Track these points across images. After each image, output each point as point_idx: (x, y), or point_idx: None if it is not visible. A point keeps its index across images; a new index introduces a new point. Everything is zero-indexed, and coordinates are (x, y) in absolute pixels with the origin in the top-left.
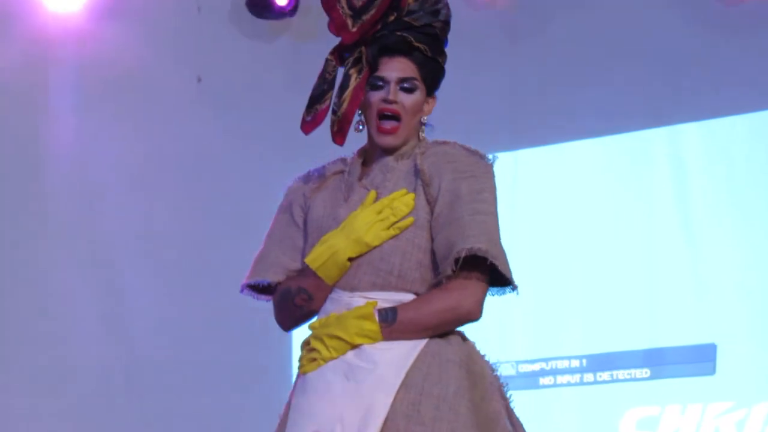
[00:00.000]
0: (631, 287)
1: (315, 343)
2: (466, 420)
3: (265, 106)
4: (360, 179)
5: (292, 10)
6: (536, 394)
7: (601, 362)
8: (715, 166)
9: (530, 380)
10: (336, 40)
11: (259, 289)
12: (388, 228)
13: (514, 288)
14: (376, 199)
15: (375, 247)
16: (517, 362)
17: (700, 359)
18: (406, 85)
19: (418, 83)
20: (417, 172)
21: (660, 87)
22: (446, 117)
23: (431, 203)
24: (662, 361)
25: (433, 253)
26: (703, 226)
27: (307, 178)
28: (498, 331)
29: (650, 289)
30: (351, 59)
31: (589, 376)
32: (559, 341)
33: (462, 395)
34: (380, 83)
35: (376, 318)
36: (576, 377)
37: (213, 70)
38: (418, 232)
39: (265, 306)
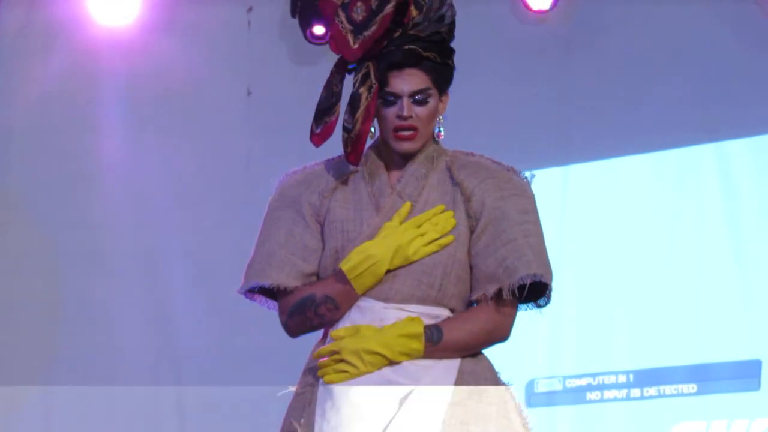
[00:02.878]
0: (679, 303)
1: (349, 356)
2: None
3: (311, 118)
4: (392, 187)
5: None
6: (583, 410)
7: (648, 377)
8: (765, 181)
9: (577, 395)
10: None
11: (257, 291)
12: (428, 244)
13: (541, 306)
14: (411, 210)
15: (413, 262)
16: (564, 377)
17: (746, 375)
18: (418, 97)
19: (431, 91)
20: (454, 183)
21: (710, 102)
22: (498, 129)
23: (472, 218)
24: (708, 377)
25: (469, 268)
26: (751, 242)
27: (315, 176)
28: (546, 346)
29: (697, 304)
30: (359, 76)
31: (636, 392)
32: (607, 356)
33: (503, 415)
34: (392, 98)
35: (423, 338)
36: (623, 392)
37: (263, 84)
38: (459, 247)
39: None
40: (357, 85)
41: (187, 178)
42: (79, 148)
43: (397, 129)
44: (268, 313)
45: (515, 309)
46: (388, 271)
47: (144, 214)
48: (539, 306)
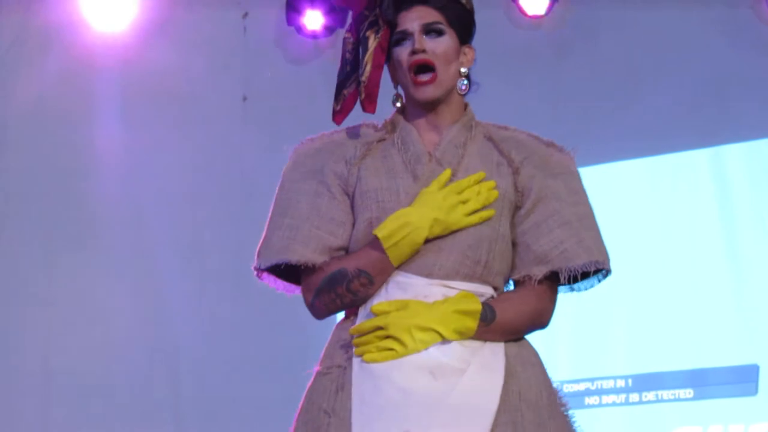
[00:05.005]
0: (676, 308)
1: (397, 332)
2: (564, 427)
3: (309, 124)
4: (430, 154)
5: (323, 30)
6: (581, 414)
7: (646, 382)
8: (760, 186)
9: (575, 400)
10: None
11: (277, 271)
12: (470, 214)
13: (575, 290)
14: (451, 179)
15: (454, 232)
16: (562, 382)
17: (742, 380)
18: (432, 29)
19: (445, 27)
20: (500, 153)
21: (704, 107)
22: None
23: (519, 192)
24: (705, 382)
25: (511, 244)
26: (747, 247)
27: (333, 143)
28: (543, 350)
29: (694, 309)
30: (366, 24)
31: (634, 396)
32: (604, 361)
33: (554, 402)
34: (404, 37)
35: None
36: (621, 397)
37: (258, 90)
38: (503, 221)
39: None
40: (364, 30)
41: (184, 183)
42: (75, 152)
43: (413, 68)
44: (266, 310)
45: (556, 296)
46: (428, 242)
47: (140, 218)
48: (573, 290)
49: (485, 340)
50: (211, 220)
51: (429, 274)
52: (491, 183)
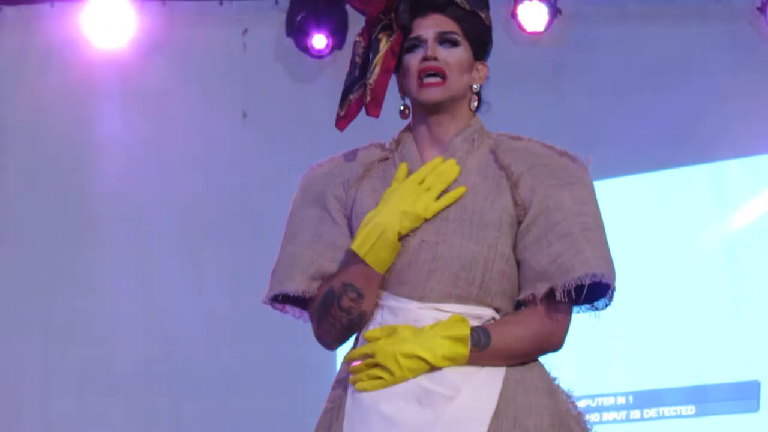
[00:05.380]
0: (676, 324)
1: (384, 360)
2: None
3: (308, 141)
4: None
5: (329, 52)
6: None
7: (647, 399)
8: (760, 202)
9: None
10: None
11: (286, 299)
12: (438, 198)
13: (600, 308)
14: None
15: (445, 254)
16: None
17: (744, 396)
18: (446, 38)
19: (461, 39)
20: (499, 168)
21: (704, 123)
22: None
23: (520, 206)
24: (707, 399)
25: (516, 262)
26: (747, 263)
27: (340, 166)
28: None
29: (695, 326)
30: (379, 27)
31: (635, 413)
32: (605, 378)
33: (557, 427)
34: (417, 43)
35: (470, 342)
36: (622, 414)
37: (258, 106)
38: (501, 238)
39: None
40: (377, 32)
41: (184, 199)
42: (76, 168)
43: (422, 73)
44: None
45: (569, 315)
46: (419, 264)
47: (141, 232)
48: (596, 309)
49: (481, 365)
50: (210, 236)
51: (421, 298)
52: (451, 161)
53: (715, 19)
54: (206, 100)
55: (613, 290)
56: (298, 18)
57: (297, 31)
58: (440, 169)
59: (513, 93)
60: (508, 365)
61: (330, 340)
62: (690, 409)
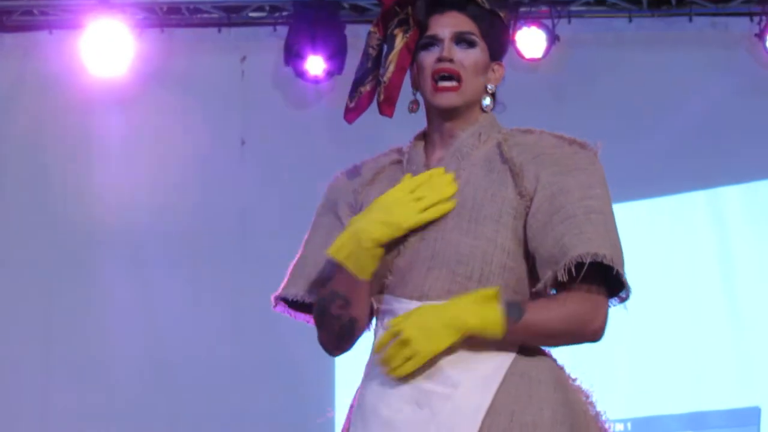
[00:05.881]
0: (675, 350)
1: (412, 332)
2: None
3: (306, 167)
4: (427, 168)
5: (327, 78)
6: None
7: (645, 426)
8: (758, 227)
9: None
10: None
11: (296, 305)
12: (424, 210)
13: (623, 300)
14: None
15: (440, 249)
16: None
17: (745, 423)
18: (463, 38)
19: (478, 39)
20: (504, 160)
21: (702, 149)
22: None
23: (525, 197)
24: (706, 425)
25: (524, 256)
26: (745, 289)
27: (354, 173)
28: None
29: (694, 352)
30: (396, 20)
31: None
32: (604, 404)
33: (560, 422)
34: (433, 42)
35: (503, 308)
36: None
37: (257, 133)
38: (501, 231)
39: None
40: (393, 27)
41: (183, 223)
42: (74, 193)
43: (437, 75)
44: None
45: (606, 303)
46: (417, 262)
47: (139, 255)
48: (622, 299)
49: (515, 342)
50: (209, 259)
51: (420, 297)
52: (450, 176)
53: (712, 45)
54: (205, 127)
55: (623, 275)
56: (296, 45)
57: (295, 58)
58: (436, 182)
59: (511, 119)
60: (546, 345)
61: (330, 347)
62: None
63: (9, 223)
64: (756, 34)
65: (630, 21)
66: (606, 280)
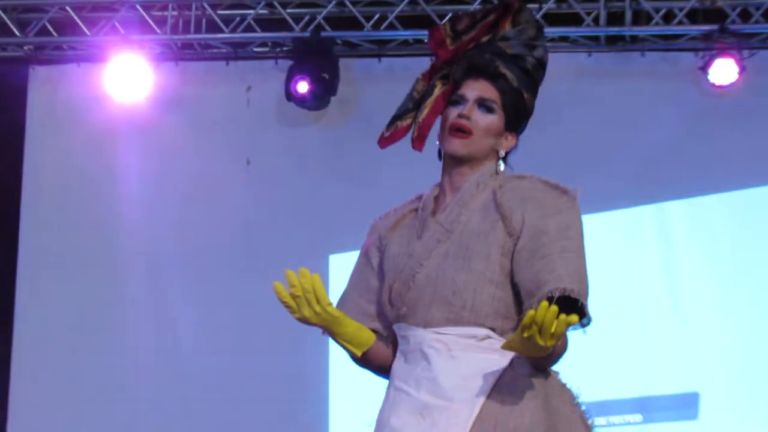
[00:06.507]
0: (626, 343)
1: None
2: None
3: (304, 185)
4: (434, 214)
5: (311, 97)
6: None
7: (597, 409)
8: (698, 234)
9: None
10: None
11: None
12: (315, 304)
13: (585, 326)
14: (449, 237)
15: (437, 283)
16: None
17: (685, 406)
18: (484, 104)
19: (497, 107)
20: (496, 206)
21: (651, 168)
22: None
23: (513, 236)
24: (652, 408)
25: (511, 286)
26: (687, 290)
27: (384, 219)
28: None
29: (642, 345)
30: (440, 74)
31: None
32: None
33: (538, 425)
34: (460, 100)
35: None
36: None
37: (260, 154)
38: (490, 266)
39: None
40: (435, 78)
41: (193, 235)
42: (100, 210)
43: (453, 127)
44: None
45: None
46: (426, 292)
47: (158, 268)
48: (583, 325)
49: (544, 362)
50: (216, 269)
51: (426, 325)
52: (305, 272)
53: (662, 76)
54: (214, 148)
55: (585, 306)
56: (295, 77)
57: (294, 88)
58: (305, 282)
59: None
60: (548, 366)
61: (376, 372)
62: (637, 417)
63: (43, 231)
64: (700, 67)
65: (589, 56)
66: (574, 307)
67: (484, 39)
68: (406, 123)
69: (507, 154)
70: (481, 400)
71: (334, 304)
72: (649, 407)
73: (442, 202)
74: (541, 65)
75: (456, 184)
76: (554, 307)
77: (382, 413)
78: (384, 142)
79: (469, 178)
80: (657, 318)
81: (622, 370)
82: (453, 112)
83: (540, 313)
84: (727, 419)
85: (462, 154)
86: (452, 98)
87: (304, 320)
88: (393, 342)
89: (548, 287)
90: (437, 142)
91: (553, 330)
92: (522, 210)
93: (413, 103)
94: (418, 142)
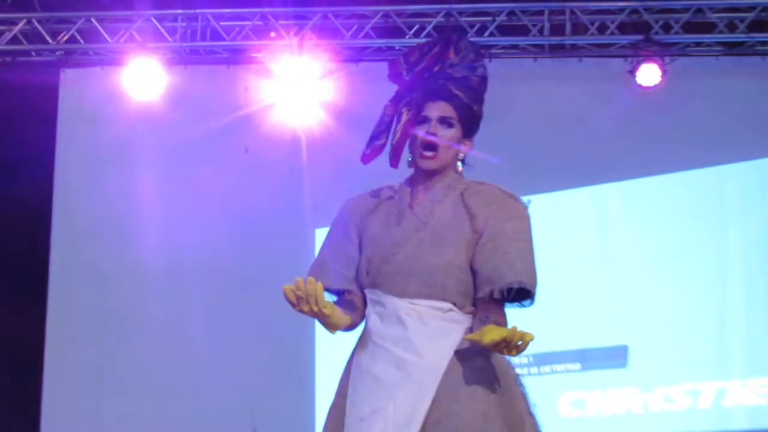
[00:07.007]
0: (566, 303)
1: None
2: (495, 400)
3: (295, 171)
4: (411, 207)
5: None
6: None
7: (543, 359)
8: (629, 210)
9: None
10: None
11: None
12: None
13: (524, 306)
14: (423, 228)
15: (416, 263)
16: None
17: (616, 356)
18: (445, 121)
19: (455, 122)
20: (465, 206)
21: (588, 156)
22: None
23: (477, 233)
24: (589, 358)
25: (471, 272)
26: (618, 260)
27: (362, 202)
28: None
29: (580, 306)
30: (404, 102)
31: (534, 369)
32: None
33: (493, 383)
34: (425, 120)
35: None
36: (524, 370)
37: (257, 143)
38: (458, 255)
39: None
40: (401, 106)
41: (198, 212)
42: (120, 191)
43: (423, 144)
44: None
45: (504, 307)
46: (403, 269)
47: (167, 237)
48: (523, 305)
49: (449, 332)
50: (217, 238)
51: (401, 295)
52: (311, 279)
53: (597, 79)
54: (217, 138)
55: (534, 294)
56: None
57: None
58: (310, 289)
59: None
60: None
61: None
62: (576, 366)
63: (75, 214)
64: (629, 71)
65: (535, 61)
66: (525, 295)
67: (436, 68)
68: (381, 142)
69: (465, 156)
70: (447, 359)
71: (310, 269)
72: (584, 358)
73: (416, 198)
74: (483, 81)
75: (428, 186)
76: (525, 335)
77: (360, 359)
78: (365, 158)
79: (440, 180)
80: (594, 283)
81: (564, 327)
82: (421, 131)
83: (514, 337)
84: (650, 367)
85: (433, 168)
86: (418, 119)
87: (301, 312)
88: (362, 300)
89: (509, 279)
90: (409, 156)
91: (518, 351)
92: (486, 212)
93: (385, 125)
94: (394, 161)
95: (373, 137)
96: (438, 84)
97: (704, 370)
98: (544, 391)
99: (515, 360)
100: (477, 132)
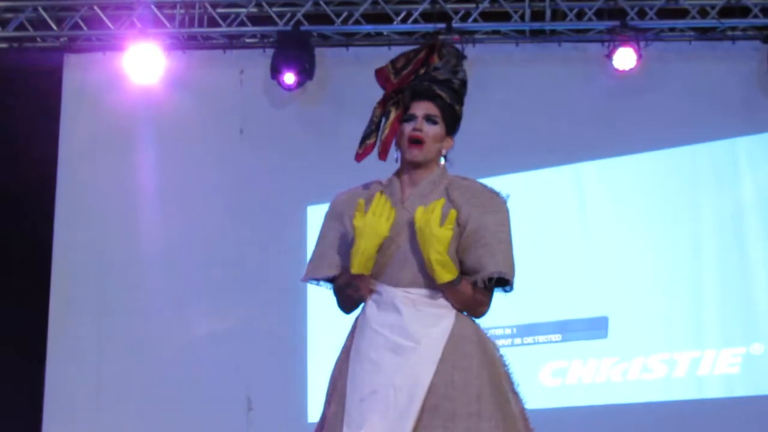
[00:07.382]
0: (549, 278)
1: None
2: (486, 382)
3: (290, 153)
4: (402, 202)
5: (297, 86)
6: None
7: (526, 330)
8: (606, 187)
9: None
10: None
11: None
12: (386, 220)
13: (507, 291)
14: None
15: (410, 256)
16: None
17: (596, 327)
18: (430, 118)
19: (439, 120)
20: (449, 200)
21: (569, 135)
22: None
23: (461, 225)
24: (570, 329)
25: (457, 260)
26: (597, 235)
27: (352, 196)
28: None
29: (562, 279)
30: (392, 101)
31: (517, 340)
32: (496, 315)
33: (483, 366)
34: (411, 118)
35: (458, 271)
36: (508, 341)
37: (252, 125)
38: (448, 247)
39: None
40: (389, 105)
41: (196, 194)
42: (121, 173)
43: (411, 139)
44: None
45: (489, 295)
46: (395, 261)
47: (164, 224)
48: (506, 291)
49: (446, 294)
50: (213, 217)
51: (396, 284)
52: (389, 203)
53: (575, 63)
54: (214, 120)
55: (512, 282)
56: (279, 63)
57: (278, 72)
58: (384, 206)
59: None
60: (457, 309)
61: (345, 311)
62: (557, 336)
63: (76, 194)
64: (606, 55)
65: (516, 46)
66: (500, 281)
67: (421, 71)
68: (372, 141)
69: (447, 152)
70: (442, 344)
71: (311, 260)
72: (567, 329)
73: (404, 193)
74: (464, 84)
75: (414, 181)
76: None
77: (360, 344)
78: (359, 157)
79: (425, 175)
80: (574, 257)
81: (546, 300)
82: (408, 128)
83: (425, 216)
84: (630, 337)
85: (419, 160)
86: (405, 117)
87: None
88: None
89: (490, 269)
90: (396, 149)
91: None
92: (468, 207)
93: (375, 126)
94: (383, 155)
95: (365, 137)
96: (423, 85)
97: (680, 340)
98: (527, 361)
99: (500, 332)
100: (458, 131)
